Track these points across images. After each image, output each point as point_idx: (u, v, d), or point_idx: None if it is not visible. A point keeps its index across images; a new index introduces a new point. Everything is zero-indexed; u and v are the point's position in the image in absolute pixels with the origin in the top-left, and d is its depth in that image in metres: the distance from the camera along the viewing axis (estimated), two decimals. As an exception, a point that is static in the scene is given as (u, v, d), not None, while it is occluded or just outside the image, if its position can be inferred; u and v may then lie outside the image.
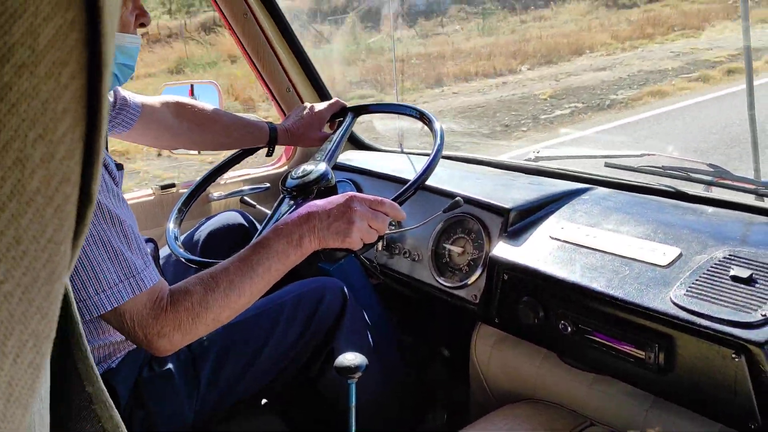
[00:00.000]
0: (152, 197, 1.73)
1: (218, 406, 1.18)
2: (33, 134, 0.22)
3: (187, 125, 1.54)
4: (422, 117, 1.47)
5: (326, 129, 1.63)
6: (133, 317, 0.96)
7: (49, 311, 0.26)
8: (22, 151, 0.22)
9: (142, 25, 1.13)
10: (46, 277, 0.25)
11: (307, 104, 1.66)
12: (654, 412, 1.11)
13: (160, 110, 1.50)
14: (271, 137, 1.60)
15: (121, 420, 0.43)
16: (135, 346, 1.12)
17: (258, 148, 1.64)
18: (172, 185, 1.76)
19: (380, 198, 1.14)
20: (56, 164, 0.24)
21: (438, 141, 1.35)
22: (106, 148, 1.17)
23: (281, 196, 1.39)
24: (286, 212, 1.34)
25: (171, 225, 1.43)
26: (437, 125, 1.40)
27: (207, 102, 1.91)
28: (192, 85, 1.90)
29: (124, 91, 1.40)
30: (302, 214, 1.08)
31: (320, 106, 1.64)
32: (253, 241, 1.08)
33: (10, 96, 0.21)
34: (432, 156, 1.31)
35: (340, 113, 1.64)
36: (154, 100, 1.51)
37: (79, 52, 0.24)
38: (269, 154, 1.67)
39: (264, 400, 1.32)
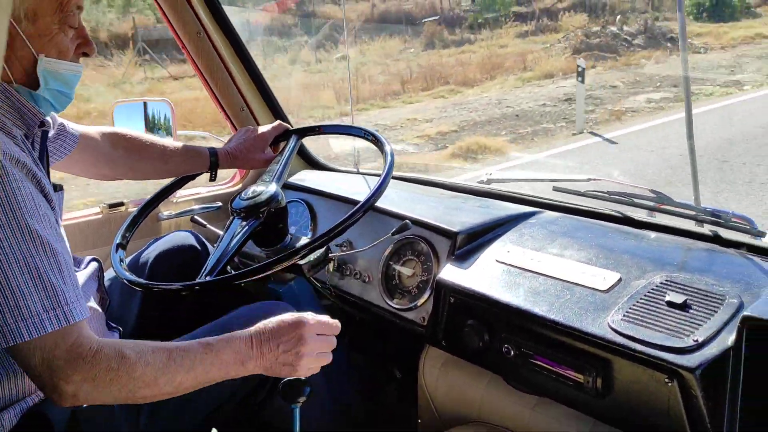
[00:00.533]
0: (100, 216, 1.70)
1: None
2: None
3: (124, 153, 1.51)
4: (374, 139, 1.48)
5: (269, 151, 1.62)
6: (45, 354, 0.90)
7: None
8: None
9: (85, 54, 1.12)
10: None
11: (250, 127, 1.66)
12: (594, 434, 1.13)
13: (98, 139, 1.47)
14: (212, 162, 1.59)
15: None
16: None
17: (198, 174, 1.62)
18: (121, 203, 1.73)
19: (329, 321, 1.15)
20: None
21: (388, 163, 1.36)
22: (47, 172, 1.14)
23: (231, 217, 1.38)
24: (239, 234, 1.34)
25: (117, 245, 1.40)
26: (387, 147, 1.41)
27: (161, 118, 1.90)
28: (145, 103, 1.89)
29: (62, 119, 1.37)
30: (255, 339, 1.07)
31: (263, 128, 1.64)
32: (202, 340, 1.05)
33: None
34: (381, 178, 1.31)
35: (284, 135, 1.64)
36: (93, 129, 1.48)
37: None
38: (212, 179, 1.64)
39: (214, 430, 1.30)
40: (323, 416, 1.55)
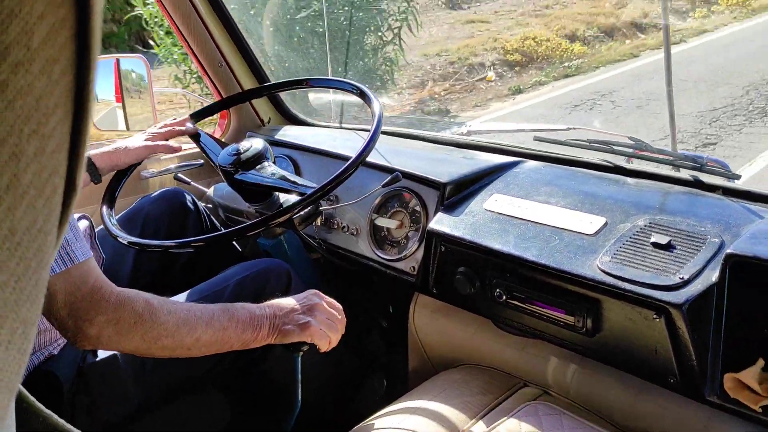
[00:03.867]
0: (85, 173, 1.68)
1: (164, 388, 1.18)
2: (27, 129, 0.23)
3: None
4: (361, 93, 1.49)
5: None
6: (67, 297, 0.90)
7: (37, 298, 0.28)
8: (18, 146, 0.23)
9: None
10: (36, 265, 0.26)
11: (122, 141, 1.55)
12: (581, 371, 1.19)
13: None
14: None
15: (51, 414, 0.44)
16: None
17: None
18: None
19: (336, 303, 1.17)
20: (47, 157, 0.25)
21: (377, 118, 1.37)
22: None
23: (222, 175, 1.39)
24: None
25: (105, 203, 1.40)
26: (376, 102, 1.42)
27: (134, 77, 1.86)
28: (117, 60, 1.85)
29: None
30: (270, 304, 1.09)
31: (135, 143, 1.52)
32: (221, 304, 1.06)
33: (7, 93, 0.22)
34: (372, 133, 1.33)
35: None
36: None
37: (69, 49, 0.25)
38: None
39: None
40: (313, 367, 1.59)
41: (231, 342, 1.04)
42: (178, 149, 1.53)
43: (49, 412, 0.43)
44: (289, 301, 1.11)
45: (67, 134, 0.26)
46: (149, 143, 1.50)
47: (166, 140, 1.53)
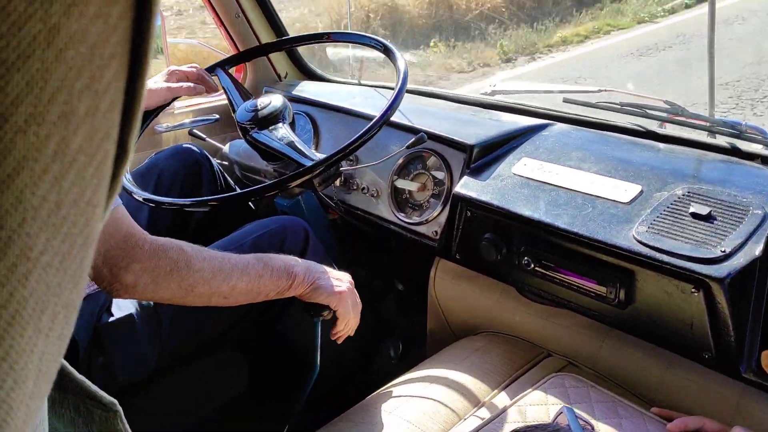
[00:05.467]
0: None
1: (181, 349, 1.15)
2: (80, 84, 0.19)
3: None
4: (385, 49, 1.42)
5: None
6: (99, 245, 0.86)
7: (81, 279, 0.24)
8: (68, 104, 0.19)
9: None
10: (82, 243, 0.23)
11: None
12: (609, 342, 1.15)
13: None
14: None
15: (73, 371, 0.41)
16: (93, 290, 1.07)
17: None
18: None
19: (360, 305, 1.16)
20: (100, 118, 0.21)
21: (402, 76, 1.31)
22: None
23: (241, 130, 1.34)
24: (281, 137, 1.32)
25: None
26: (401, 60, 1.36)
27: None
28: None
29: None
30: (305, 260, 1.08)
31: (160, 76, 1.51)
32: (255, 254, 1.04)
33: (58, 40, 0.18)
34: (396, 91, 1.27)
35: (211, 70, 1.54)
36: None
37: None
38: None
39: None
40: (329, 331, 1.57)
41: (267, 290, 1.02)
42: (203, 90, 1.47)
43: (70, 368, 0.41)
44: (323, 266, 1.10)
45: (121, 91, 0.21)
46: (172, 85, 1.45)
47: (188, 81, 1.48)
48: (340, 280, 1.10)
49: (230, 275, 0.96)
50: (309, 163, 1.22)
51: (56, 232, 0.20)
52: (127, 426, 0.48)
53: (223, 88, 1.49)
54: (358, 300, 1.14)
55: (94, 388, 0.46)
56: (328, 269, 1.10)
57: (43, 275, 0.20)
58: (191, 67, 1.50)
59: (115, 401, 0.47)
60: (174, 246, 0.92)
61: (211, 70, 1.53)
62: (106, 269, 0.88)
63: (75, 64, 0.18)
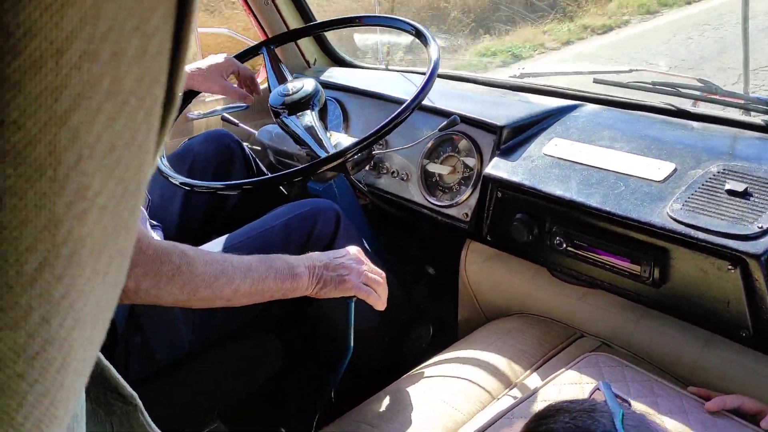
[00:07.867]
0: None
1: (215, 331, 1.17)
2: (130, 25, 0.20)
3: None
4: (417, 33, 1.42)
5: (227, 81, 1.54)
6: None
7: (133, 227, 0.25)
8: (119, 44, 0.19)
9: None
10: (134, 188, 0.23)
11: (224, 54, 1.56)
12: (643, 322, 1.15)
13: None
14: None
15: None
16: None
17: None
18: None
19: (376, 268, 1.11)
20: (149, 60, 0.21)
21: (434, 60, 1.31)
22: None
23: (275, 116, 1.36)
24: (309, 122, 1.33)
25: None
26: (433, 44, 1.36)
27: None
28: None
29: None
30: (308, 255, 1.06)
31: (218, 59, 1.54)
32: (258, 255, 1.03)
33: None
34: (428, 75, 1.27)
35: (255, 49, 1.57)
36: None
37: None
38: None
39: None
40: (365, 309, 1.58)
41: (271, 292, 1.01)
42: (251, 101, 1.50)
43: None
44: (327, 255, 1.07)
45: (169, 35, 0.22)
46: (226, 85, 1.49)
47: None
48: (345, 267, 1.07)
49: (233, 278, 0.95)
50: (323, 154, 1.22)
51: (110, 174, 0.21)
52: (148, 418, 0.48)
53: (266, 68, 1.50)
54: (378, 271, 1.11)
55: (116, 377, 0.46)
56: (332, 255, 1.07)
57: (100, 217, 0.21)
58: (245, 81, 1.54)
59: (135, 394, 0.46)
60: (176, 250, 0.91)
61: (257, 48, 1.55)
62: None
63: (125, 3, 0.19)
